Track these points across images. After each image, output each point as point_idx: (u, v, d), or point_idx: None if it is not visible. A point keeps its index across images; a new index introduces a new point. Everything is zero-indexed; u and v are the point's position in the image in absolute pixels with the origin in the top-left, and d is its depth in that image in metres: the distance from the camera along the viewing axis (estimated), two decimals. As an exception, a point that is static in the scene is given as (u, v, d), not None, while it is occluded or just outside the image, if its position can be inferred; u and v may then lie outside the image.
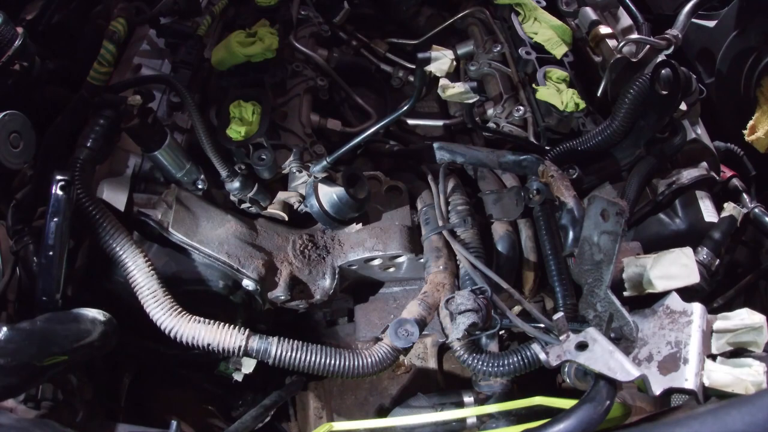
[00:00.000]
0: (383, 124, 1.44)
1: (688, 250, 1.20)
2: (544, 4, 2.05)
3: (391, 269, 1.57)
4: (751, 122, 1.75)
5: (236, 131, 1.50)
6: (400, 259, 1.52)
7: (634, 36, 1.78)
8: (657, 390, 1.02)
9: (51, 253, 1.10)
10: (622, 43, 1.74)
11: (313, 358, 1.20)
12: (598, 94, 1.82)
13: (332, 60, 2.04)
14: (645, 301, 1.22)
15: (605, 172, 1.66)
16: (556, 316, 1.08)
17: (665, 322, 1.14)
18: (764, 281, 1.64)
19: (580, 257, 1.25)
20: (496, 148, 1.66)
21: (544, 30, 1.95)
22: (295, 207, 1.55)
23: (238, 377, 1.59)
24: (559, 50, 1.91)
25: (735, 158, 1.91)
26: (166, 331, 1.18)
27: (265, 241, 1.50)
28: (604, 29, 1.89)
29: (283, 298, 1.43)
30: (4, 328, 0.95)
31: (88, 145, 1.31)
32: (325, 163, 1.42)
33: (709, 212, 1.57)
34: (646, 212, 1.65)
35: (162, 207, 1.39)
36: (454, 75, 1.96)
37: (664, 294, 1.19)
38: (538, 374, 1.24)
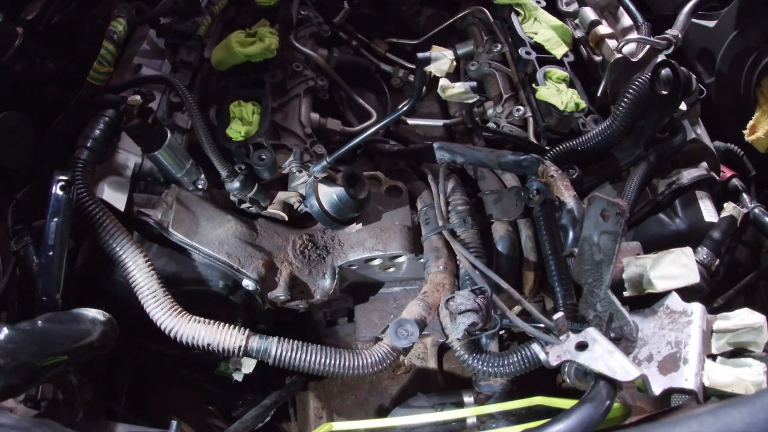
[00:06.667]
0: (383, 124, 1.44)
1: (688, 250, 1.20)
2: (544, 4, 2.05)
3: (391, 269, 1.57)
4: (751, 122, 1.75)
5: (236, 131, 1.50)
6: (400, 259, 1.52)
7: (634, 36, 1.78)
8: (657, 390, 1.02)
9: (51, 253, 1.10)
10: (622, 43, 1.74)
11: (313, 358, 1.20)
12: (598, 94, 1.82)
13: (332, 60, 2.04)
14: (645, 301, 1.21)
15: (605, 172, 1.66)
16: (556, 316, 1.08)
17: (665, 322, 1.13)
18: (764, 281, 1.64)
19: (580, 257, 1.25)
20: (496, 148, 1.66)
21: (544, 30, 1.95)
22: (295, 207, 1.55)
23: (238, 377, 1.59)
24: (559, 50, 1.91)
25: (735, 158, 1.91)
26: (166, 331, 1.18)
27: (265, 241, 1.50)
28: (604, 29, 1.88)
29: (283, 298, 1.43)
30: (4, 328, 0.95)
31: (88, 145, 1.31)
32: (325, 163, 1.42)
33: (709, 212, 1.57)
34: (646, 212, 1.65)
35: (162, 207, 1.39)
36: (454, 75, 1.96)
37: (664, 294, 1.18)
38: (538, 374, 1.24)
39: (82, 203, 1.21)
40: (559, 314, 1.09)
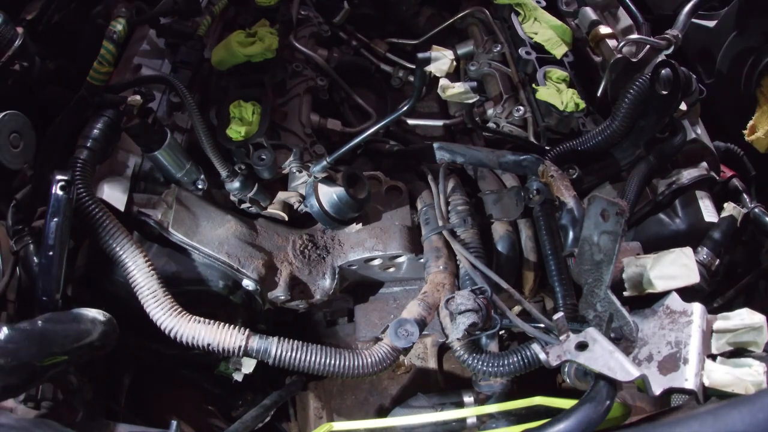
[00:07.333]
0: (383, 124, 1.44)
1: (688, 250, 1.20)
2: (544, 4, 2.05)
3: (391, 269, 1.57)
4: (751, 122, 1.75)
5: (236, 131, 1.50)
6: (400, 259, 1.52)
7: (634, 36, 1.78)
8: (657, 390, 1.02)
9: (51, 253, 1.10)
10: (622, 43, 1.74)
11: (313, 358, 1.20)
12: (598, 94, 1.82)
13: (332, 60, 2.04)
14: (645, 301, 1.22)
15: (605, 172, 1.66)
16: (556, 316, 1.08)
17: (665, 322, 1.14)
18: (764, 281, 1.64)
19: (580, 257, 1.25)
20: (496, 148, 1.66)
21: (544, 30, 1.95)
22: (295, 207, 1.55)
23: (238, 377, 1.59)
24: (559, 50, 1.91)
25: (735, 158, 1.91)
26: (166, 331, 1.18)
27: (265, 241, 1.50)
28: (604, 29, 1.88)
29: (283, 298, 1.43)
30: (4, 328, 0.94)
31: (88, 145, 1.31)
32: (325, 163, 1.42)
33: (709, 212, 1.57)
34: (646, 212, 1.65)
35: (162, 207, 1.39)
36: (454, 75, 1.96)
37: (664, 294, 1.19)
38: (538, 374, 1.24)
39: (82, 203, 1.21)
40: (559, 314, 1.09)
